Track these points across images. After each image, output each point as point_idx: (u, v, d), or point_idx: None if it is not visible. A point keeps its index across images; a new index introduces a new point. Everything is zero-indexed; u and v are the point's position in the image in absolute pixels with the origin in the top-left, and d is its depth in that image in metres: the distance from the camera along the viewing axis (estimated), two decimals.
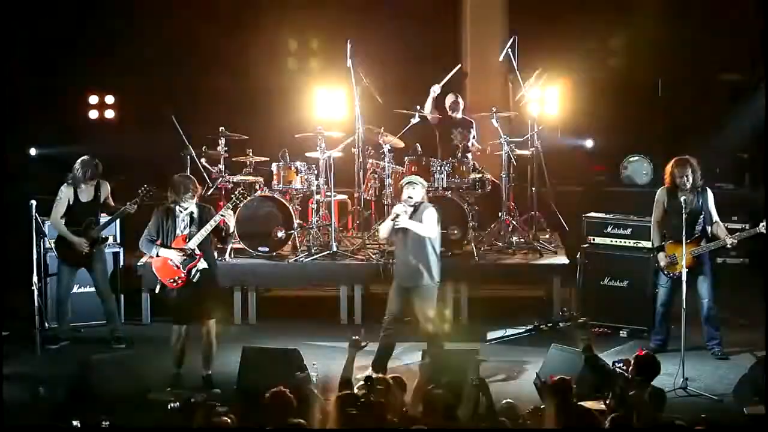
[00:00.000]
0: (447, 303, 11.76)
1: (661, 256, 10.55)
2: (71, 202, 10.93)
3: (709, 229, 10.48)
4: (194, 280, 9.66)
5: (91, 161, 10.94)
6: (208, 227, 9.61)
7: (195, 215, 9.69)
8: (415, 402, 7.61)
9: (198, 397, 9.03)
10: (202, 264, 9.67)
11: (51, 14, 14.45)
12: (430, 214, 9.88)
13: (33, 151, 14.30)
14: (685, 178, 10.39)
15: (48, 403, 9.32)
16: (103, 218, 11.15)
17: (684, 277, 9.83)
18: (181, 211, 9.67)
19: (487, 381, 9.43)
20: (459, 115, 12.85)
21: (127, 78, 14.45)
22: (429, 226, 9.84)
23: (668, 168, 10.55)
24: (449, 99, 12.90)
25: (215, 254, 10.07)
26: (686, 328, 9.85)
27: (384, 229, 10.05)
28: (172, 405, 8.62)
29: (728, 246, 10.43)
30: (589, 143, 14.78)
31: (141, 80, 14.53)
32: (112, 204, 11.10)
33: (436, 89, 12.78)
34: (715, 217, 10.51)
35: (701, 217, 10.46)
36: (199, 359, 9.87)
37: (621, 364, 8.80)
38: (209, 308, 9.80)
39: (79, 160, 10.96)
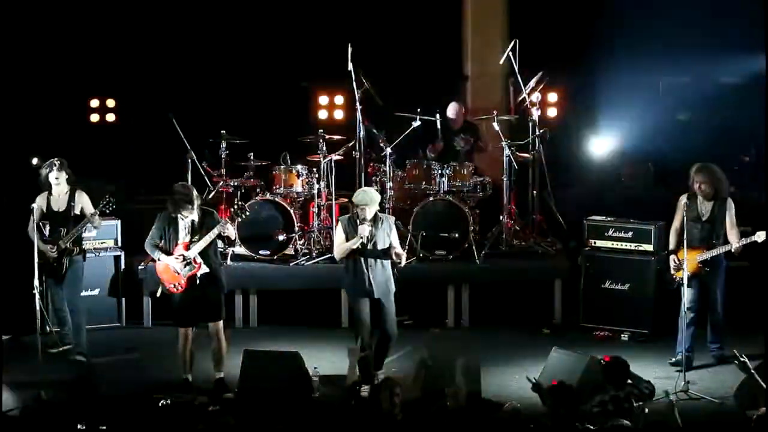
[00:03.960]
0: (448, 307, 11.85)
1: (671, 258, 10.42)
2: (44, 211, 10.52)
3: (722, 239, 10.31)
4: (197, 284, 9.68)
5: (53, 162, 10.54)
6: (207, 238, 9.64)
7: (197, 222, 9.72)
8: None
9: (198, 400, 9.04)
10: (203, 270, 9.69)
11: (51, 17, 14.48)
12: (393, 226, 9.87)
13: (35, 161, 14.25)
14: (698, 185, 10.28)
15: (49, 407, 9.34)
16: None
17: (685, 281, 9.83)
18: (183, 218, 9.70)
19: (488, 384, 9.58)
20: (461, 121, 12.86)
21: (128, 81, 14.46)
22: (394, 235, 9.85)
23: (690, 173, 10.41)
24: (452, 108, 12.90)
25: (219, 258, 10.05)
26: (687, 332, 9.85)
27: (344, 251, 9.77)
28: (163, 402, 8.57)
29: (733, 251, 10.23)
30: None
31: (142, 84, 14.55)
32: (90, 215, 10.58)
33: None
34: (731, 226, 10.32)
35: (720, 226, 10.30)
36: (206, 363, 9.91)
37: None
38: (215, 311, 9.81)
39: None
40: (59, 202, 10.56)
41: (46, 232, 10.47)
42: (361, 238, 9.60)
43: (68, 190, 10.57)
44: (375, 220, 9.70)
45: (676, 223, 10.48)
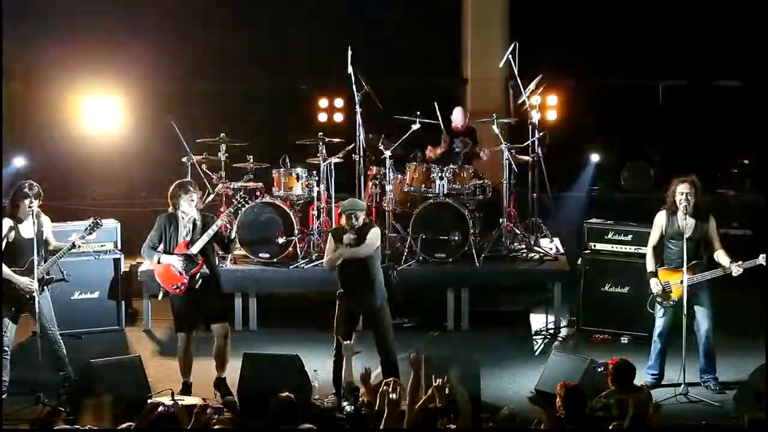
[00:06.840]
0: (448, 310, 11.84)
1: (653, 282, 9.89)
2: (11, 239, 9.58)
3: (706, 256, 9.83)
4: (196, 287, 9.68)
5: (25, 184, 9.64)
6: (210, 232, 9.66)
7: (198, 222, 9.74)
8: (410, 412, 7.61)
9: (198, 402, 9.02)
10: (205, 270, 9.70)
11: (51, 19, 14.50)
12: (374, 234, 9.64)
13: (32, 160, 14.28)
14: (684, 197, 9.71)
15: (48, 409, 9.35)
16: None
17: (684, 291, 9.64)
18: (183, 218, 9.71)
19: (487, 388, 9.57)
20: (462, 125, 12.88)
21: (127, 84, 14.47)
22: (369, 245, 9.55)
23: (670, 187, 9.90)
24: (456, 112, 12.91)
25: (216, 261, 10.09)
26: (686, 337, 9.83)
27: (332, 262, 9.68)
28: (162, 409, 8.56)
29: (734, 275, 9.68)
30: (595, 158, 14.85)
31: (142, 86, 14.56)
32: (53, 241, 9.81)
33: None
34: (717, 244, 9.84)
35: (704, 244, 9.82)
36: (206, 366, 9.91)
37: (601, 369, 8.78)
38: (215, 313, 9.81)
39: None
40: (28, 228, 9.61)
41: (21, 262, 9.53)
42: (346, 246, 9.53)
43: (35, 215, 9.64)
44: (363, 227, 9.63)
45: (654, 241, 10.01)
